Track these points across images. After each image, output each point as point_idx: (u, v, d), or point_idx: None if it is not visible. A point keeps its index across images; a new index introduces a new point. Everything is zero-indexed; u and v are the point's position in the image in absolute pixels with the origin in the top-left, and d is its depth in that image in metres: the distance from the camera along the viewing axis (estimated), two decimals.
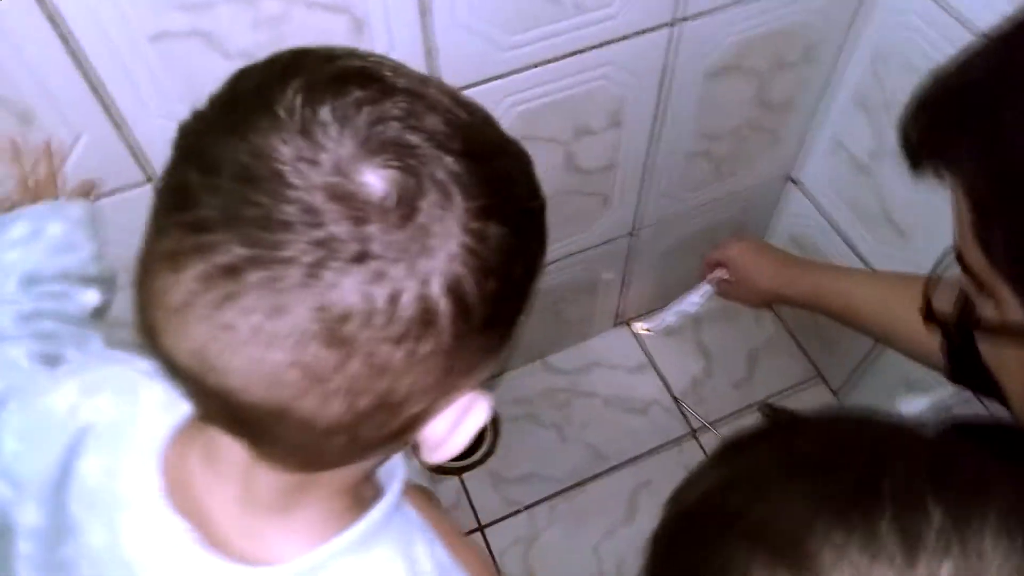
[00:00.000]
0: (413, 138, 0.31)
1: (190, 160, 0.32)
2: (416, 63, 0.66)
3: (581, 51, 0.73)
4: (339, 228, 0.29)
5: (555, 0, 0.67)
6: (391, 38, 0.62)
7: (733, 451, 0.38)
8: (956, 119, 0.41)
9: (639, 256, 1.11)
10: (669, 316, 1.10)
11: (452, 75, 0.68)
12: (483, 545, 1.10)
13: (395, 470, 0.47)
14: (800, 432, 0.36)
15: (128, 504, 0.42)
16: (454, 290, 0.31)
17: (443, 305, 0.31)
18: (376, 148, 0.30)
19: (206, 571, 0.40)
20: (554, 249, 0.99)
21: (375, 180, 0.29)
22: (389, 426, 0.34)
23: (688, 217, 1.07)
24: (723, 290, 1.00)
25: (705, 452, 1.16)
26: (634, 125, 0.85)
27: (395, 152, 0.30)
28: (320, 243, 0.29)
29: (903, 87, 0.86)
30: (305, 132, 0.29)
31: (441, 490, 1.14)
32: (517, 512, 1.13)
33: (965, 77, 0.41)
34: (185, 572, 0.40)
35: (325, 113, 0.30)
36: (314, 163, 0.29)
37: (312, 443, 0.34)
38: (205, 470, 0.42)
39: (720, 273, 0.97)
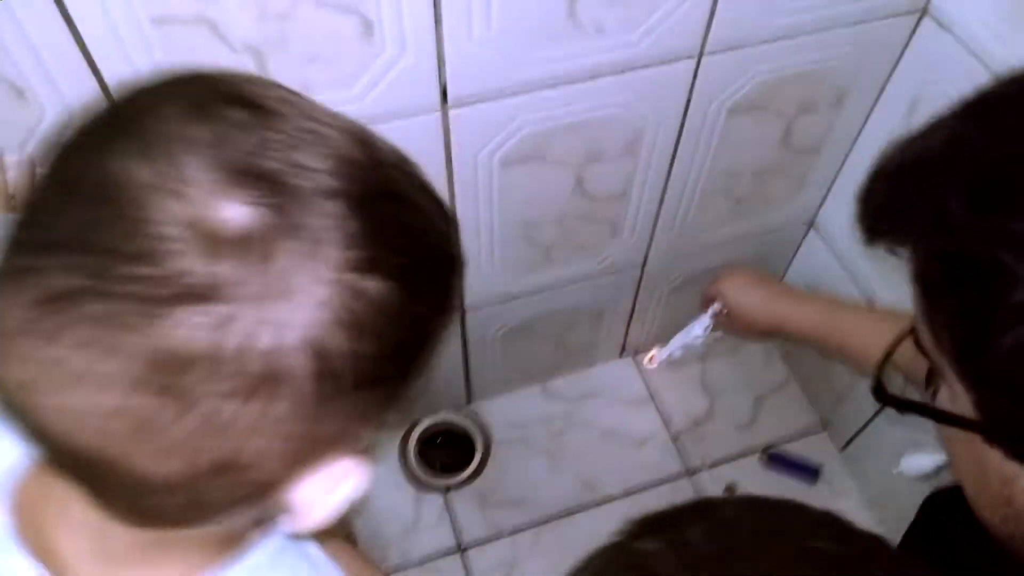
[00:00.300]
0: (290, 173, 0.28)
1: (52, 176, 0.29)
2: (426, 72, 0.64)
3: (600, 75, 0.71)
4: (187, 263, 0.26)
5: (575, 21, 0.65)
6: (402, 44, 0.61)
7: (631, 537, 0.33)
8: (907, 195, 0.39)
9: (650, 288, 1.08)
10: (674, 350, 1.07)
11: (462, 87, 0.67)
12: (461, 567, 1.08)
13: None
14: (700, 524, 0.31)
15: None
16: (315, 347, 0.28)
17: (301, 362, 0.28)
18: (244, 181, 0.27)
19: None
20: (559, 272, 0.97)
21: (235, 215, 0.26)
22: (237, 491, 0.31)
23: (702, 254, 1.05)
24: (720, 323, 0.97)
25: (696, 493, 1.12)
26: (650, 155, 0.83)
27: (266, 187, 0.27)
28: (164, 280, 0.26)
29: None
30: (170, 157, 0.27)
31: (424, 506, 1.12)
32: (500, 537, 1.10)
33: (920, 152, 0.39)
34: None
35: (196, 138, 0.27)
36: (173, 192, 0.26)
37: (149, 501, 0.31)
38: (59, 514, 0.38)
39: (717, 306, 0.95)
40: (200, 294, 0.26)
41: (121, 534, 0.35)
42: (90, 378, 0.27)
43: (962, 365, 0.38)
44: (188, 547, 0.38)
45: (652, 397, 1.22)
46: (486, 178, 0.78)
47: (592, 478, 1.14)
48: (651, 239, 0.97)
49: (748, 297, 0.92)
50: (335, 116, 0.31)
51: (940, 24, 0.77)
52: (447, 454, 1.17)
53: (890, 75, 0.85)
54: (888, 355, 0.48)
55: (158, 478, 0.29)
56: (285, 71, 0.60)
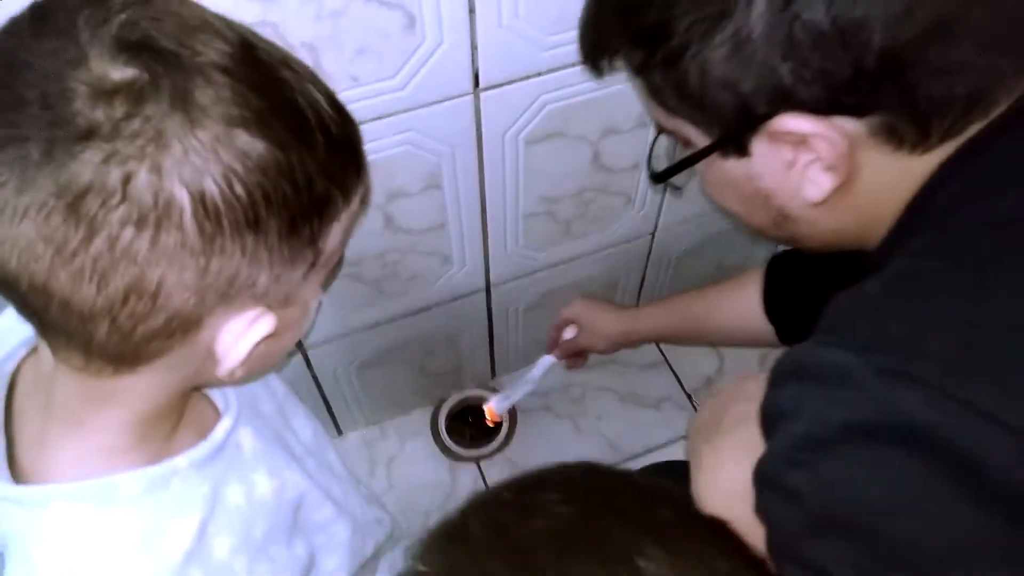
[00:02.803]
0: (166, 42, 0.34)
1: None
2: (461, 59, 0.70)
3: None
4: (73, 108, 0.32)
5: None
6: (440, 34, 0.66)
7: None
8: (598, 17, 0.53)
9: (659, 257, 1.14)
10: (514, 395, 1.16)
11: (493, 70, 0.72)
12: None
13: (226, 410, 0.50)
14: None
15: None
16: (190, 184, 0.34)
17: (180, 196, 0.34)
18: (133, 51, 0.34)
19: None
20: (579, 247, 1.03)
21: (114, 72, 0.33)
22: (153, 320, 0.36)
23: (710, 219, 1.11)
24: (570, 348, 1.12)
25: None
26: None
27: (147, 58, 0.34)
28: (55, 122, 0.32)
29: None
30: (64, 32, 0.34)
31: (459, 477, 1.18)
32: None
33: None
34: None
35: (86, 16, 0.34)
36: (63, 56, 0.33)
37: (78, 328, 0.36)
38: (35, 380, 0.45)
39: (568, 333, 1.10)
40: (88, 133, 0.32)
41: (66, 386, 0.41)
42: (10, 210, 0.33)
43: (684, 104, 0.48)
44: (122, 415, 0.43)
45: (666, 360, 1.28)
46: (512, 157, 0.83)
47: (615, 439, 1.20)
48: (660, 208, 1.03)
49: (599, 313, 1.07)
50: (225, 19, 0.38)
51: None
52: (476, 427, 1.22)
53: None
54: (651, 147, 0.61)
55: (81, 304, 0.35)
56: (336, 65, 0.65)
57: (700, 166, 0.53)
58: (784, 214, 0.52)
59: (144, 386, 0.42)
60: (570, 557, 0.29)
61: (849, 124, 0.45)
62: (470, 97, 0.74)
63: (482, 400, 1.23)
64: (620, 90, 0.81)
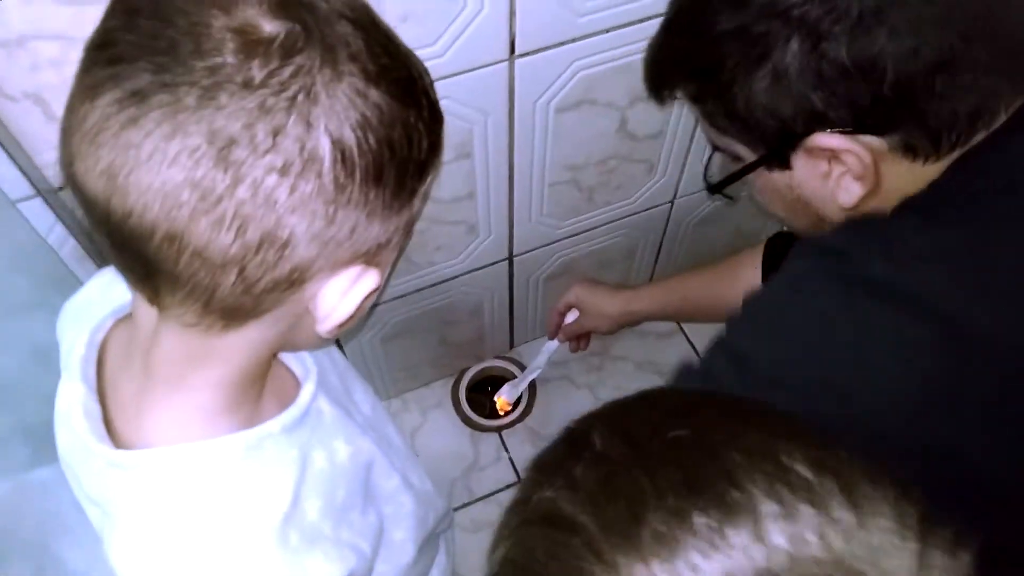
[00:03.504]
0: (316, 1, 0.36)
1: (115, 12, 0.36)
2: (499, 25, 0.70)
3: (647, 19, 0.77)
4: (231, 58, 0.33)
5: None
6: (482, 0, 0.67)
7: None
8: (663, 53, 0.62)
9: (677, 223, 1.15)
10: (522, 383, 1.19)
11: (529, 37, 0.72)
12: None
13: (306, 376, 0.51)
14: (580, 462, 0.35)
15: (68, 374, 0.48)
16: (334, 135, 0.35)
17: (324, 146, 0.35)
18: (280, 7, 0.35)
19: (88, 443, 0.44)
20: (600, 215, 1.04)
21: (269, 25, 0.34)
22: (278, 269, 0.37)
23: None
24: (573, 331, 1.15)
25: None
26: None
27: (295, 10, 0.35)
28: (213, 69, 0.33)
29: None
30: None
31: (482, 446, 1.19)
32: None
33: (670, 18, 0.61)
34: (74, 438, 0.45)
35: None
36: (223, 8, 0.34)
37: (206, 280, 0.37)
38: (127, 349, 0.46)
39: (570, 317, 1.13)
40: (244, 82, 0.33)
41: (167, 346, 0.42)
42: (159, 156, 0.33)
43: (734, 126, 0.58)
44: (220, 375, 0.44)
45: (681, 329, 1.29)
46: (542, 125, 0.84)
47: None
48: (681, 175, 1.04)
49: (598, 294, 1.10)
50: None
51: None
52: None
53: None
54: (708, 160, 0.67)
55: (216, 252, 0.36)
56: None
57: (750, 177, 0.62)
58: (821, 217, 0.60)
59: (244, 344, 0.42)
60: (720, 457, 0.30)
61: (873, 141, 0.53)
62: (506, 64, 0.74)
63: (502, 371, 1.24)
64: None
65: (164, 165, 0.33)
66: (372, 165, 0.36)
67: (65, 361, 0.50)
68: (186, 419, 0.44)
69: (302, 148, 0.34)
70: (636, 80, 0.84)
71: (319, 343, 0.46)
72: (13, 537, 0.80)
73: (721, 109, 0.57)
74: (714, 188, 0.66)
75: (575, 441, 0.36)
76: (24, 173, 0.61)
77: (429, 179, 0.42)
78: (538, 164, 0.89)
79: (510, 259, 1.04)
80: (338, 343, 1.03)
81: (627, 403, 0.37)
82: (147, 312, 0.42)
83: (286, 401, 0.49)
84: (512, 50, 0.73)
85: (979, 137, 0.53)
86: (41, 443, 0.65)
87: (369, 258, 0.41)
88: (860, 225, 0.57)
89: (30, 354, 0.70)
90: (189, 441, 0.44)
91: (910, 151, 0.54)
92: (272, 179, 0.34)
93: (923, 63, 0.49)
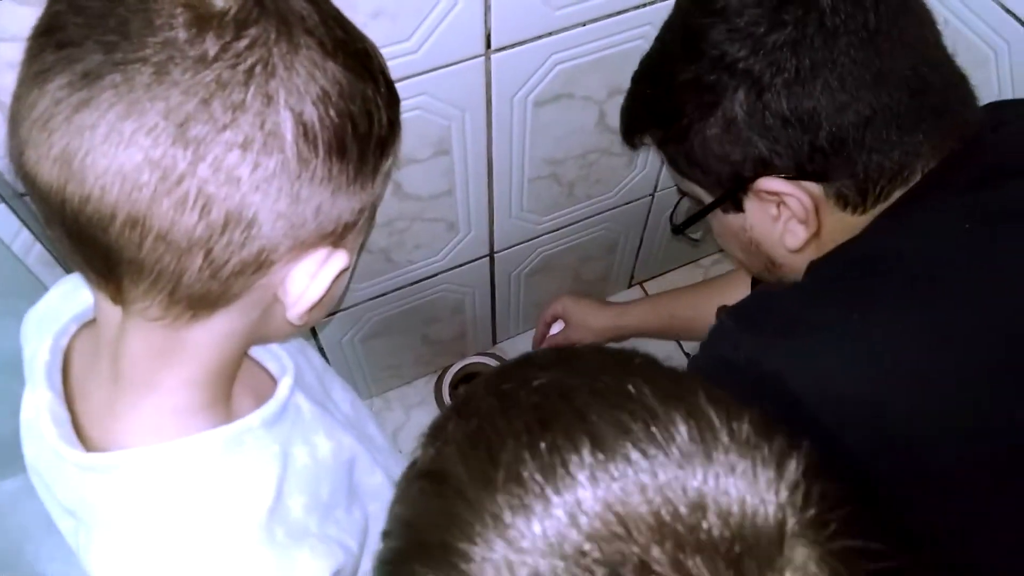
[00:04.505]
0: None
1: None
2: (474, 19, 0.68)
3: (624, 11, 0.76)
4: (183, 33, 0.32)
5: None
6: None
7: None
8: (631, 101, 0.70)
9: (658, 217, 1.15)
10: None
11: (505, 31, 0.71)
12: None
13: (283, 372, 0.50)
14: (455, 418, 0.37)
15: (32, 382, 0.46)
16: (295, 109, 0.34)
17: (285, 120, 0.34)
18: None
19: (58, 449, 0.43)
20: (581, 209, 1.03)
21: (220, 0, 0.33)
22: (245, 250, 0.36)
23: None
24: (558, 343, 1.15)
25: None
26: None
27: None
28: (166, 44, 0.32)
29: None
30: None
31: None
32: None
33: (640, 69, 0.68)
34: (43, 446, 0.44)
35: None
36: None
37: (172, 265, 0.35)
38: (93, 353, 0.45)
39: (555, 328, 1.14)
40: (199, 57, 0.32)
41: (134, 345, 0.41)
42: (115, 136, 0.32)
43: (693, 170, 0.63)
44: (190, 373, 0.43)
45: None
46: (520, 120, 0.82)
47: None
48: (661, 168, 1.04)
49: (584, 307, 1.12)
50: None
51: None
52: None
53: None
54: (676, 204, 0.75)
55: (181, 234, 0.34)
56: None
57: (711, 221, 0.68)
58: (772, 260, 0.66)
59: (214, 338, 0.41)
60: (572, 397, 0.32)
61: (814, 187, 0.58)
62: (482, 59, 0.73)
63: (485, 367, 1.23)
64: (628, 48, 0.81)
65: (121, 146, 0.32)
66: (335, 139, 0.36)
67: (29, 369, 0.49)
68: (160, 419, 0.43)
69: (263, 123, 0.33)
70: (614, 74, 0.83)
71: (290, 331, 0.45)
72: None
73: (682, 153, 0.62)
74: (677, 229, 0.72)
75: (458, 403, 0.38)
76: None
77: (390, 159, 0.41)
78: (517, 159, 0.88)
79: (491, 256, 1.03)
80: (317, 343, 1.01)
81: (509, 363, 0.40)
82: (111, 312, 0.40)
83: (263, 398, 0.48)
84: (488, 45, 0.72)
85: (897, 194, 0.58)
86: (6, 456, 0.63)
87: (336, 239, 0.40)
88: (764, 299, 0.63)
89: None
90: (165, 441, 0.42)
91: (842, 200, 0.58)
92: (234, 156, 0.33)
93: (854, 118, 0.54)
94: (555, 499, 0.28)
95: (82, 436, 0.44)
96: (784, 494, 0.29)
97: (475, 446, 0.32)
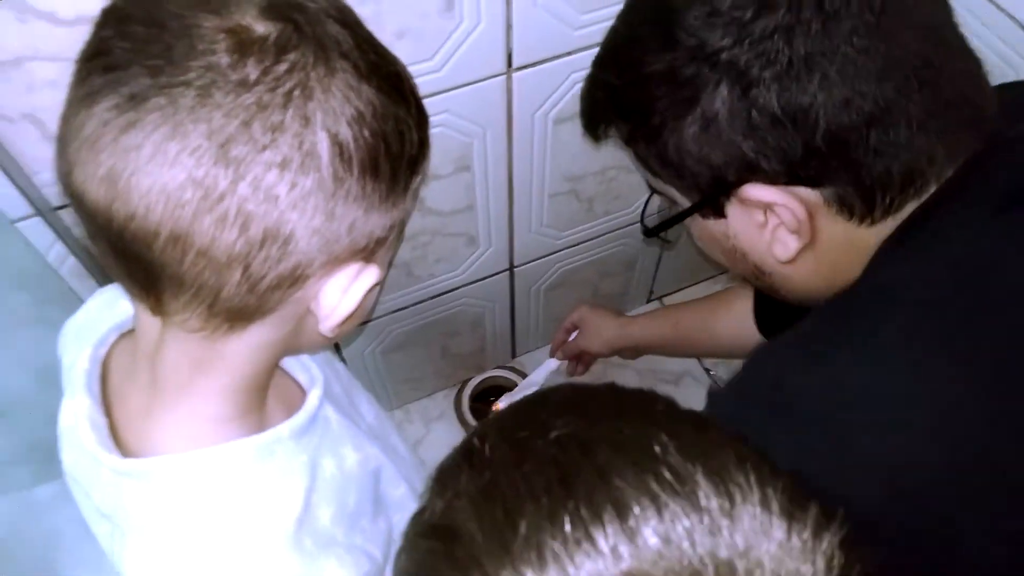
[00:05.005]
0: (305, 3, 0.37)
1: (107, 22, 0.37)
2: (496, 39, 0.70)
3: None
4: (225, 58, 0.34)
5: None
6: (477, 15, 0.67)
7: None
8: (592, 93, 0.60)
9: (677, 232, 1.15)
10: (517, 396, 1.19)
11: (526, 50, 0.73)
12: None
13: (312, 383, 0.51)
14: (467, 471, 0.35)
15: (71, 389, 0.48)
16: (331, 130, 0.36)
17: (321, 141, 0.35)
18: (270, 9, 0.36)
19: (96, 455, 0.44)
20: (600, 225, 1.04)
21: (261, 26, 0.35)
22: (281, 266, 0.37)
23: None
24: (571, 350, 1.17)
25: None
26: None
27: (285, 10, 0.36)
28: (209, 68, 0.34)
29: None
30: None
31: None
32: None
33: (601, 53, 0.59)
34: (81, 452, 0.45)
35: None
36: (214, 12, 0.35)
37: (211, 280, 0.37)
38: (131, 362, 0.46)
39: (572, 336, 1.16)
40: (240, 81, 0.34)
41: (172, 354, 0.42)
42: (160, 157, 0.34)
43: (667, 171, 0.55)
44: (225, 383, 0.44)
45: None
46: (541, 136, 0.84)
47: None
48: None
49: (598, 316, 1.12)
50: None
51: None
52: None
53: None
54: (646, 202, 0.68)
55: (221, 250, 0.36)
56: None
57: (688, 223, 0.60)
58: (760, 269, 0.58)
59: (249, 349, 0.43)
60: (594, 453, 0.31)
61: (807, 193, 0.51)
62: (503, 77, 0.74)
63: (504, 380, 1.24)
64: None
65: (165, 166, 0.34)
66: (368, 159, 0.37)
67: (68, 378, 0.50)
68: (194, 427, 0.44)
69: (300, 143, 0.35)
70: None
71: (322, 344, 0.47)
72: (16, 555, 0.80)
73: (653, 153, 0.54)
74: (650, 232, 0.65)
75: (468, 449, 0.36)
76: (23, 192, 0.61)
77: (420, 176, 0.42)
78: (537, 175, 0.89)
79: (511, 270, 1.04)
80: (340, 355, 1.03)
81: (522, 403, 0.38)
82: (150, 323, 0.42)
83: (293, 409, 0.49)
84: (509, 63, 0.73)
85: (910, 207, 0.51)
86: (43, 462, 0.65)
87: (367, 254, 0.41)
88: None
89: (31, 373, 0.70)
90: (198, 448, 0.44)
91: (845, 208, 0.51)
92: (272, 175, 0.35)
93: (857, 115, 0.47)
94: (575, 574, 0.27)
95: (119, 442, 0.45)
96: (821, 564, 0.28)
97: (490, 503, 0.31)
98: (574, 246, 1.06)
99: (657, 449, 0.30)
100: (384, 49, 0.41)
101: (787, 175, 0.50)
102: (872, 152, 0.48)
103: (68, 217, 0.66)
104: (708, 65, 0.48)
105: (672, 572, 0.27)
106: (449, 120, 0.75)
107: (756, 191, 0.51)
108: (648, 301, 1.32)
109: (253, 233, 0.36)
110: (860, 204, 0.50)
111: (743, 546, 0.27)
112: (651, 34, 0.51)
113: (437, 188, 0.83)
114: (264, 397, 0.48)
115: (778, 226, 0.53)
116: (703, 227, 0.59)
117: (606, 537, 0.28)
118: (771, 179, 0.50)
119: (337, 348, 1.01)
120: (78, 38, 0.53)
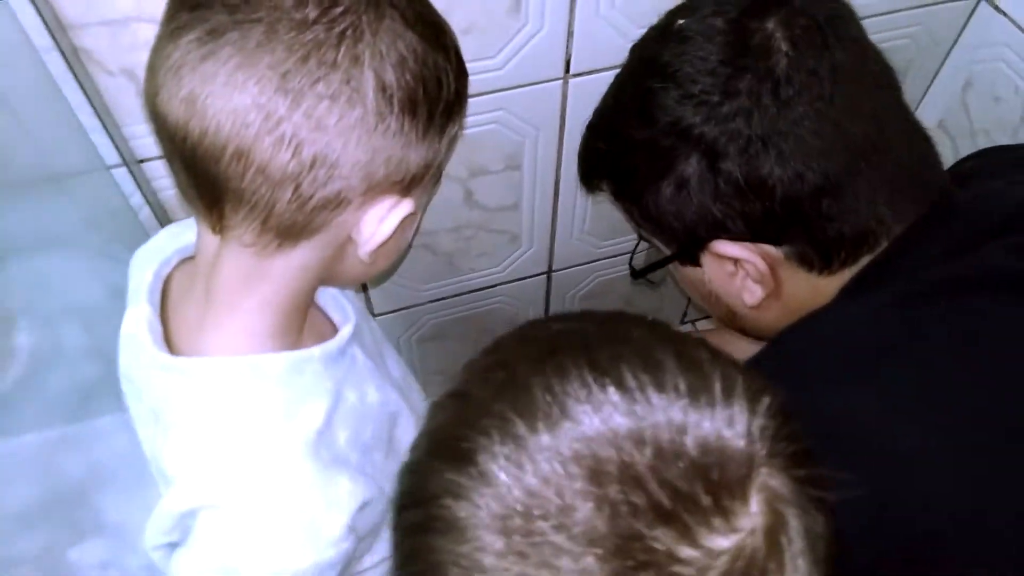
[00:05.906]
0: None
1: None
2: (557, 44, 0.74)
3: None
4: (287, 3, 0.39)
5: None
6: (542, 18, 0.71)
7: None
8: (585, 150, 0.71)
9: None
10: None
11: (584, 58, 0.77)
12: None
13: (345, 320, 0.56)
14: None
15: (136, 301, 0.53)
16: (377, 70, 0.41)
17: (368, 79, 0.41)
18: None
19: (151, 352, 0.50)
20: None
21: None
22: (327, 188, 0.43)
23: None
24: None
25: None
26: None
27: None
28: (276, 7, 0.39)
29: (989, 117, 0.92)
30: None
31: None
32: None
33: (593, 120, 0.69)
34: (139, 353, 0.51)
35: None
36: None
37: (267, 196, 0.42)
38: (190, 283, 0.52)
39: None
40: (301, 22, 0.39)
41: (227, 268, 0.47)
42: (231, 83, 0.40)
43: (648, 224, 0.64)
44: (270, 296, 0.49)
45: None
46: None
47: None
48: None
49: None
50: None
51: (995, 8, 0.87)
52: None
53: (948, 54, 0.94)
54: (635, 248, 0.75)
55: (276, 169, 0.41)
56: None
57: (671, 267, 0.68)
58: (732, 312, 0.67)
59: (293, 268, 0.48)
60: (586, 336, 0.37)
61: (770, 249, 0.59)
62: (560, 82, 0.79)
63: None
64: None
65: (236, 91, 0.39)
66: (407, 100, 0.42)
67: (133, 296, 0.56)
68: (238, 339, 0.50)
69: (349, 80, 0.40)
70: None
71: (361, 274, 0.52)
72: (55, 487, 0.85)
73: (636, 208, 0.64)
74: (636, 274, 0.73)
75: (488, 345, 0.42)
76: (113, 142, 0.67)
77: (456, 125, 0.47)
78: None
79: (549, 273, 1.08)
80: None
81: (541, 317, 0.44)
82: (210, 241, 0.47)
83: (325, 340, 0.54)
84: (567, 69, 0.78)
85: (865, 259, 0.58)
86: (91, 395, 0.70)
87: (403, 189, 0.46)
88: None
89: (99, 295, 0.75)
90: (238, 355, 0.49)
91: (805, 262, 0.58)
92: (324, 106, 0.40)
93: (808, 187, 0.54)
94: (556, 412, 0.33)
95: (172, 348, 0.51)
96: (756, 425, 0.33)
97: (494, 371, 0.37)
98: (613, 256, 1.09)
99: (634, 334, 0.36)
100: (430, 5, 0.46)
101: (751, 234, 0.58)
102: (825, 217, 0.56)
103: (149, 169, 0.71)
104: (682, 139, 0.56)
105: (632, 420, 0.32)
106: (504, 118, 0.80)
107: (724, 247, 0.59)
108: (682, 323, 1.34)
109: (304, 156, 0.41)
110: (818, 259, 0.58)
111: (694, 415, 0.32)
112: (634, 108, 0.60)
113: (486, 183, 0.88)
114: (302, 321, 0.53)
115: (745, 276, 0.61)
116: (683, 272, 0.68)
117: (581, 385, 0.33)
118: (737, 237, 0.59)
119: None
120: None
